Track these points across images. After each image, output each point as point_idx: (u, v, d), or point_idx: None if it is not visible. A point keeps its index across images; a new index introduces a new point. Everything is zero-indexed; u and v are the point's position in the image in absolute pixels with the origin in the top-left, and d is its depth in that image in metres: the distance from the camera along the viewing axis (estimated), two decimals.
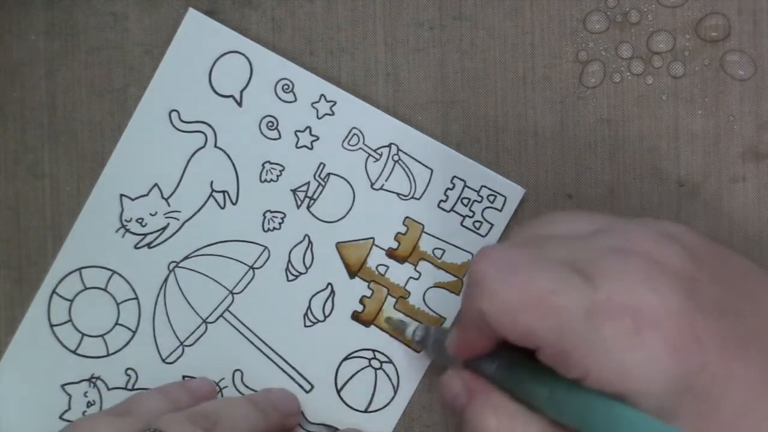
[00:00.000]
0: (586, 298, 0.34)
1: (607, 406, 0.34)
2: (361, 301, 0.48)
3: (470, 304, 0.37)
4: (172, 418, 0.42)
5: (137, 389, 0.48)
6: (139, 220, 0.49)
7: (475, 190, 0.47)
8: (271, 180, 0.48)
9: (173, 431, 0.41)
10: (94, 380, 0.49)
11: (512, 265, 0.36)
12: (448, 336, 0.41)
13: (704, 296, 0.35)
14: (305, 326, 0.48)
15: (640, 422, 0.33)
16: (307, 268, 0.48)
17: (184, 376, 0.48)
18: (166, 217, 0.49)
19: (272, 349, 0.48)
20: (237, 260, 0.48)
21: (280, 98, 0.48)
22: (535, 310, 0.35)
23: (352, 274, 0.48)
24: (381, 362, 0.48)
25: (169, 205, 0.49)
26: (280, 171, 0.48)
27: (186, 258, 0.49)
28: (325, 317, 0.48)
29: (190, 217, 0.49)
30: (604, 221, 0.39)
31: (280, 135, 0.48)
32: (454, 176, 0.48)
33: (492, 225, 0.47)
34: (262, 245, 0.48)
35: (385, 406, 0.48)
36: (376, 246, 0.48)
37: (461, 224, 0.48)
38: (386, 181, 0.48)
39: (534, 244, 0.38)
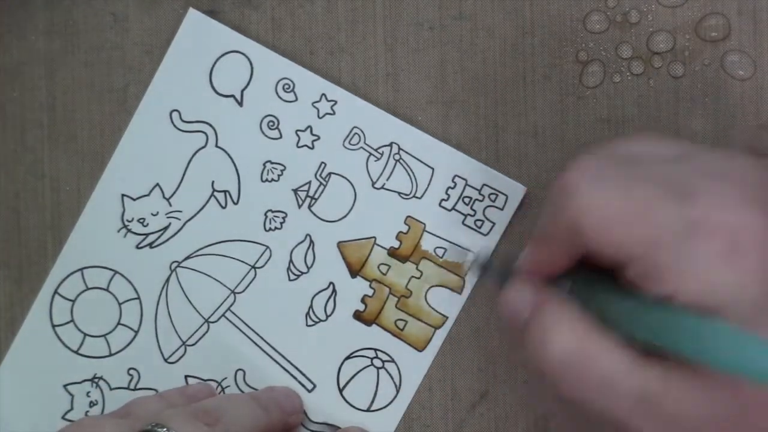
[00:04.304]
0: (682, 214, 0.34)
1: (695, 321, 0.33)
2: (362, 301, 0.48)
3: (559, 214, 0.35)
4: (175, 413, 0.42)
5: (140, 389, 0.49)
6: (141, 220, 0.49)
7: (477, 189, 0.48)
8: (273, 179, 0.49)
9: (176, 425, 0.41)
10: (96, 380, 0.49)
11: (607, 176, 0.35)
12: (519, 255, 0.39)
13: None
14: (307, 326, 0.48)
15: (732, 335, 0.32)
16: (308, 268, 0.48)
17: (186, 376, 0.48)
18: (168, 217, 0.49)
19: (274, 349, 0.48)
20: (239, 260, 0.49)
21: (280, 98, 0.48)
22: (631, 223, 0.34)
23: (353, 274, 0.48)
24: (383, 361, 0.48)
25: (170, 204, 0.49)
26: (282, 170, 0.48)
27: (188, 258, 0.49)
28: (327, 316, 0.48)
29: (192, 217, 0.49)
30: (690, 147, 0.38)
31: (281, 134, 0.48)
32: (456, 175, 0.48)
33: (494, 224, 0.48)
34: (263, 245, 0.48)
35: (387, 405, 0.48)
36: (378, 245, 0.48)
37: (463, 223, 0.48)
38: (387, 180, 0.48)
39: (624, 160, 0.37)
